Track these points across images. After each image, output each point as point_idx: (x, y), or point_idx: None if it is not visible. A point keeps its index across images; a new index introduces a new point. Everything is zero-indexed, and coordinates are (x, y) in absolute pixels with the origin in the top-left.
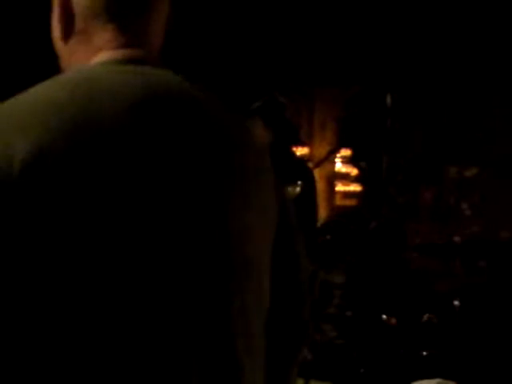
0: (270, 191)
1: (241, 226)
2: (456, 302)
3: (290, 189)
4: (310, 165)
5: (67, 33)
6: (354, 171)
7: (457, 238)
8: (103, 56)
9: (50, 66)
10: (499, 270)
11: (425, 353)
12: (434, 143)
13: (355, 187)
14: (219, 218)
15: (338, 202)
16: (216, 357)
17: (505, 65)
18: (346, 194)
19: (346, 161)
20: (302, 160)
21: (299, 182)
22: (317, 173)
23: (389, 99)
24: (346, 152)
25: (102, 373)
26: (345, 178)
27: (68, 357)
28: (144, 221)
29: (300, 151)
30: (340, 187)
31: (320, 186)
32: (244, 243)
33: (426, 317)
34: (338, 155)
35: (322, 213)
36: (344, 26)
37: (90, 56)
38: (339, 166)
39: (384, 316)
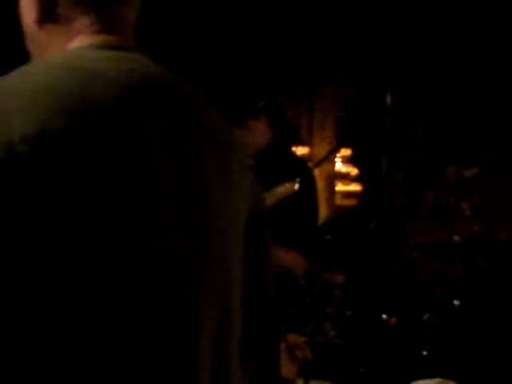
0: (243, 188)
1: (216, 218)
2: (456, 302)
3: (288, 185)
4: (310, 164)
5: (44, 16)
6: (354, 171)
7: (457, 238)
8: (82, 40)
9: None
10: (499, 269)
11: (425, 353)
12: (434, 143)
13: (355, 187)
14: (199, 205)
15: (338, 201)
16: (221, 345)
17: (505, 64)
18: (346, 194)
19: (346, 161)
20: (302, 160)
21: (297, 179)
22: (317, 172)
23: (388, 99)
24: (346, 152)
25: (100, 375)
26: (345, 177)
27: (67, 355)
28: (143, 207)
29: (300, 151)
30: (340, 187)
31: (320, 185)
32: (222, 240)
33: (426, 317)
34: (337, 155)
35: (322, 213)
36: (344, 26)
37: (68, 40)
38: (339, 166)
39: (384, 316)
